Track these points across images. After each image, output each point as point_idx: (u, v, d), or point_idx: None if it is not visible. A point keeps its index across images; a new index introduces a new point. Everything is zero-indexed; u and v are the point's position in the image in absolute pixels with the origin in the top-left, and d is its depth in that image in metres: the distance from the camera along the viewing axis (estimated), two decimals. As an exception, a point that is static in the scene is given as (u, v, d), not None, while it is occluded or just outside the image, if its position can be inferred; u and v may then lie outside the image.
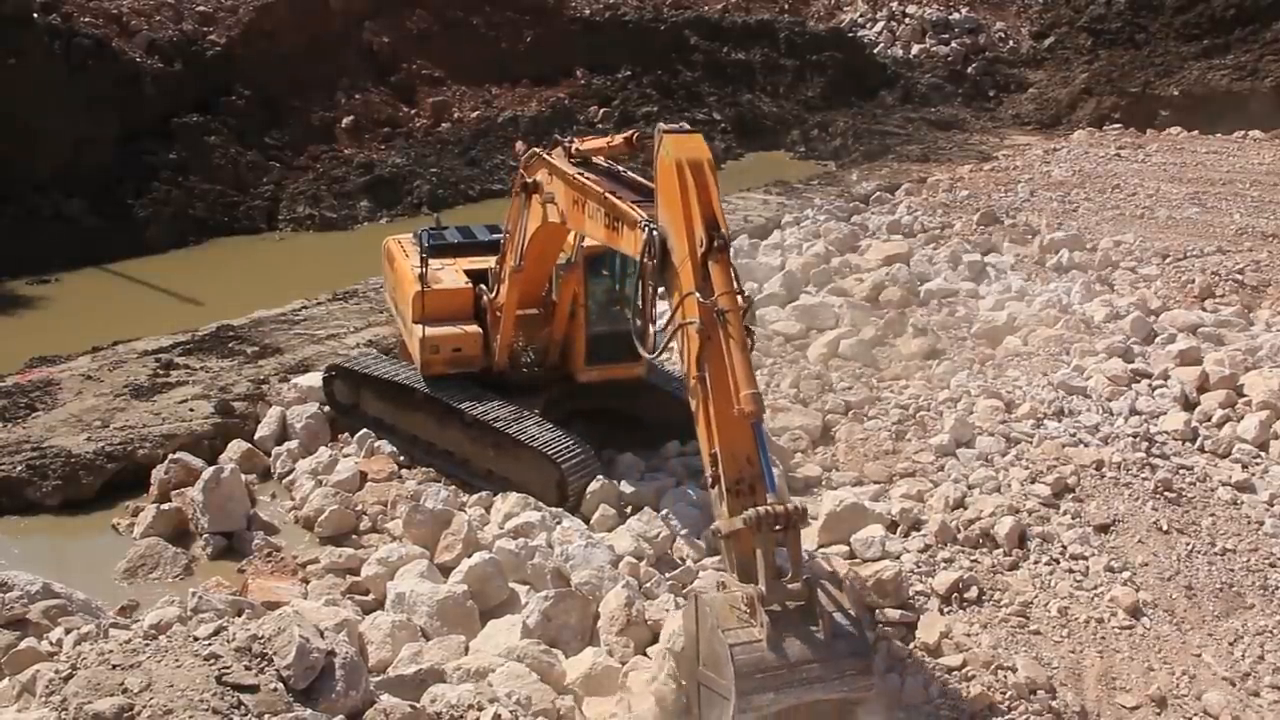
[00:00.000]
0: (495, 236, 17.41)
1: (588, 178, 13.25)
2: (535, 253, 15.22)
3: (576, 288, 15.77)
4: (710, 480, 10.25)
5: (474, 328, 16.43)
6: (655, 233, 11.15)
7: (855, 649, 9.53)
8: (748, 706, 9.16)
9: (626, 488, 15.14)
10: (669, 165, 10.96)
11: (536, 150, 14.98)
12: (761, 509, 9.56)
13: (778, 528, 9.53)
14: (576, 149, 14.21)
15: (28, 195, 27.56)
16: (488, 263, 16.74)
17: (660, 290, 11.72)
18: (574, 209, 13.45)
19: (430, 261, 16.52)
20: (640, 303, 12.28)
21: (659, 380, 17.05)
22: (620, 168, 13.90)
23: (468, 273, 17.00)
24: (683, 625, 10.26)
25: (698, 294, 10.40)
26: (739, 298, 10.43)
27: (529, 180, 14.62)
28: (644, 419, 16.81)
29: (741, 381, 10.04)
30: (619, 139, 14.26)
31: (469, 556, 13.29)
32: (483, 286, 16.58)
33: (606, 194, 12.51)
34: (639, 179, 13.30)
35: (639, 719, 10.82)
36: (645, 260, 11.30)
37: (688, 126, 11.41)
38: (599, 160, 14.13)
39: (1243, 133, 39.30)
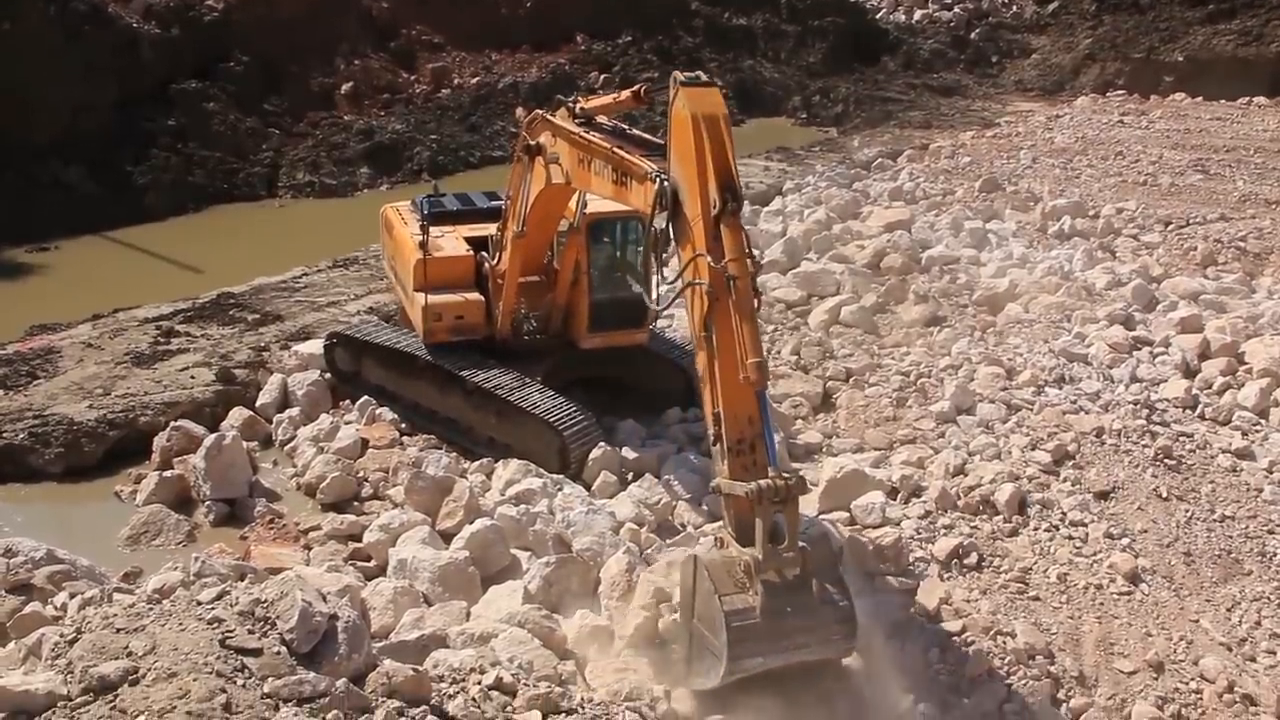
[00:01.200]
0: (495, 204, 17.34)
1: (593, 135, 13.18)
2: (538, 217, 15.17)
3: (579, 254, 15.73)
4: (712, 439, 10.43)
5: (476, 295, 16.39)
6: (666, 183, 11.09)
7: (841, 616, 9.91)
8: (737, 669, 9.60)
9: (629, 453, 15.17)
10: (684, 118, 10.83)
11: (539, 112, 14.88)
12: (763, 483, 9.76)
13: (777, 500, 9.73)
14: (581, 108, 14.05)
15: (26, 163, 27.43)
16: (488, 230, 16.70)
17: (669, 248, 11.74)
18: (579, 168, 13.38)
19: (430, 229, 16.48)
20: (648, 262, 12.29)
21: (660, 348, 17.07)
22: (625, 126, 13.78)
23: (468, 240, 16.95)
24: (680, 580, 10.53)
25: (709, 256, 10.42)
26: (749, 262, 10.46)
27: (532, 143, 14.51)
28: (645, 386, 16.82)
29: (748, 349, 10.17)
30: (626, 94, 14.06)
31: (470, 523, 13.35)
32: (484, 254, 16.54)
33: (613, 149, 12.45)
34: (646, 136, 13.22)
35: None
36: (656, 212, 11.18)
37: (704, 77, 11.18)
38: (603, 119, 14.04)
39: (1247, 99, 39.08)
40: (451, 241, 16.82)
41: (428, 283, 16.10)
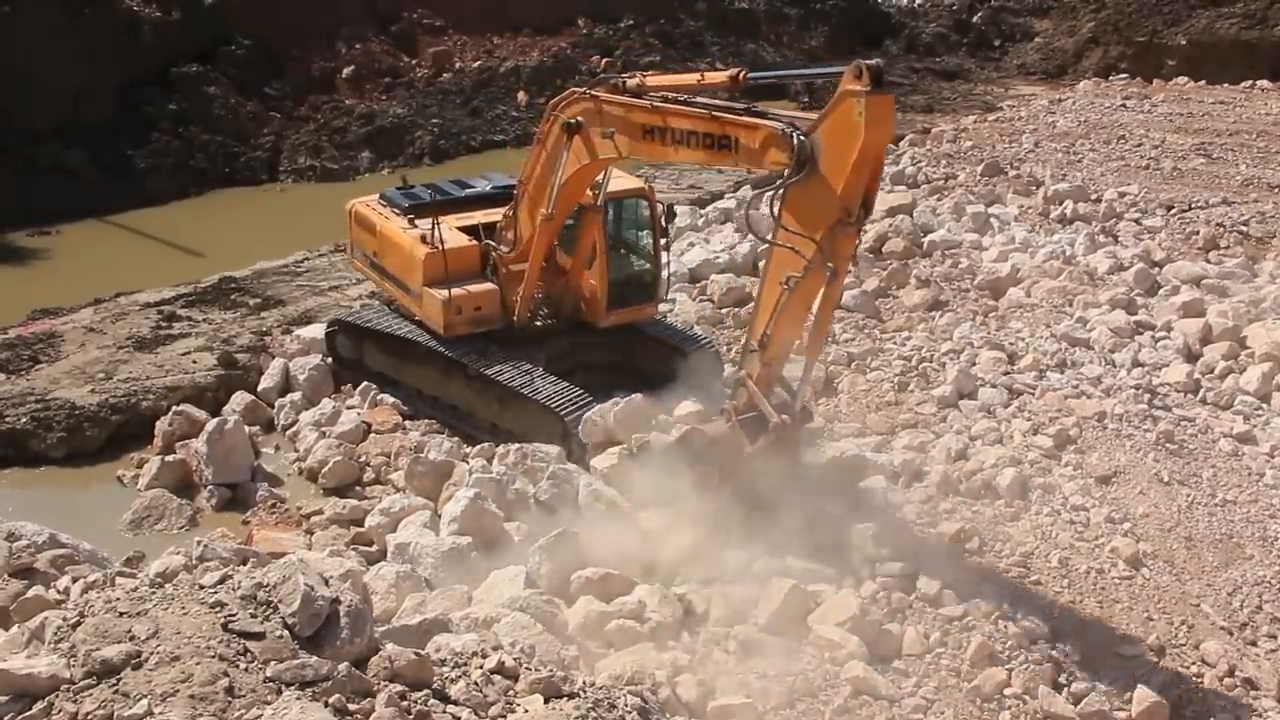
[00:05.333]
0: (470, 191, 17.17)
1: (683, 101, 13.10)
2: (566, 198, 15.10)
3: (597, 234, 15.70)
4: (755, 345, 12.29)
5: (491, 285, 16.18)
6: (806, 140, 11.29)
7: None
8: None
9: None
10: (856, 128, 10.83)
11: (576, 89, 14.73)
12: (783, 419, 12.28)
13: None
14: (639, 83, 13.88)
15: (27, 146, 27.43)
16: (473, 218, 16.54)
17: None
18: (644, 140, 13.39)
19: (418, 221, 16.33)
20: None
21: (661, 332, 17.10)
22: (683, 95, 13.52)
23: (460, 229, 16.72)
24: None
25: (822, 250, 11.42)
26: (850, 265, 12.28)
27: (571, 121, 14.35)
28: (646, 370, 16.81)
29: (819, 330, 12.56)
30: (722, 76, 13.77)
31: (452, 501, 13.28)
32: (489, 242, 16.36)
33: (713, 114, 12.51)
34: (714, 101, 13.07)
35: None
36: (791, 168, 11.44)
37: (884, 78, 10.96)
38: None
39: (1250, 83, 38.90)
40: (449, 232, 16.60)
41: (437, 276, 15.89)
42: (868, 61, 10.95)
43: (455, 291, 15.86)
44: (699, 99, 13.25)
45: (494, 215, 16.57)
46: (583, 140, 14.30)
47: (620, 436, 14.60)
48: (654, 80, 14.15)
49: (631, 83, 13.99)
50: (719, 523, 12.40)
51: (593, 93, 14.30)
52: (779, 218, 11.77)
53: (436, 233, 16.05)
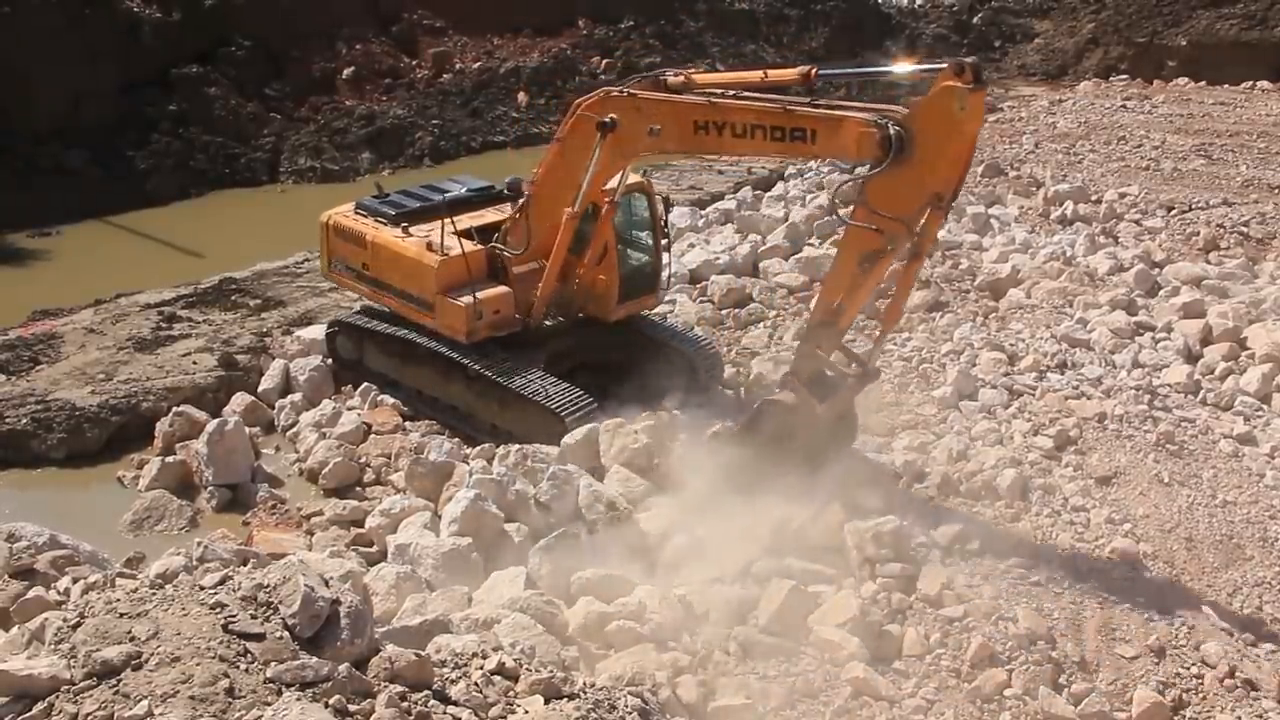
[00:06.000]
0: (452, 195, 16.97)
1: (749, 96, 13.35)
2: (588, 196, 15.07)
3: (608, 230, 15.73)
4: (825, 319, 13.03)
5: (504, 288, 15.98)
6: (901, 131, 11.86)
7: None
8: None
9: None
10: (958, 122, 11.66)
11: (609, 89, 14.75)
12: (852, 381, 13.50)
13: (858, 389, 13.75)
14: (683, 80, 14.09)
15: (28, 147, 27.44)
16: (461, 222, 16.44)
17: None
18: (695, 135, 13.60)
19: (411, 229, 16.25)
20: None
21: (661, 333, 17.10)
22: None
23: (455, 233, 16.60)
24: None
25: (909, 228, 12.18)
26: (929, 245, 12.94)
27: (606, 120, 14.31)
28: (646, 370, 16.81)
29: (895, 305, 13.43)
30: (793, 73, 13.94)
31: (452, 501, 13.23)
32: (496, 245, 16.27)
33: (786, 108, 12.89)
34: (761, 95, 13.34)
35: None
36: (881, 154, 11.96)
37: (980, 75, 11.63)
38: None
39: (1250, 84, 38.90)
40: (448, 238, 16.37)
41: (452, 283, 15.72)
42: (967, 59, 11.71)
43: (479, 296, 15.65)
44: (748, 94, 13.55)
45: (482, 218, 16.48)
46: (616, 139, 14.33)
47: (602, 453, 14.58)
48: (703, 77, 14.39)
49: (674, 80, 14.25)
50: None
51: (631, 91, 14.39)
52: (864, 199, 12.35)
53: (451, 239, 15.84)
